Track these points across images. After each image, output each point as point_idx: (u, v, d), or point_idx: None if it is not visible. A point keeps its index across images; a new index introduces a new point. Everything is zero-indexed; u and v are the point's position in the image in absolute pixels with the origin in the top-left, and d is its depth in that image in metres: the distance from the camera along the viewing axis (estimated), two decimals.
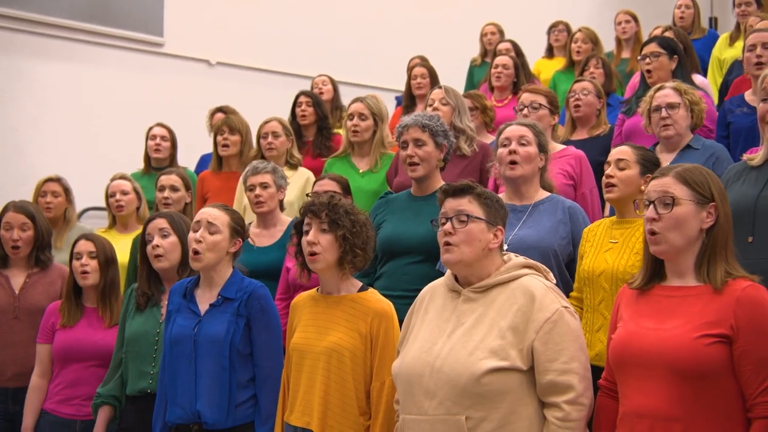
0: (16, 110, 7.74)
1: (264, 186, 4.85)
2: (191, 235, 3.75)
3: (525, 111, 4.98)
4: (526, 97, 5.09)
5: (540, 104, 5.00)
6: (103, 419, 4.08)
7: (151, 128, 6.61)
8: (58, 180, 5.61)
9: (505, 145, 4.07)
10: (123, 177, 5.57)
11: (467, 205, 3.09)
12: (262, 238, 4.82)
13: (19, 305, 4.68)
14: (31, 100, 7.84)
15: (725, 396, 2.69)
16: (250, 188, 4.89)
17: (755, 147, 4.32)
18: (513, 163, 4.02)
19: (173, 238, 4.06)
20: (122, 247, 4.97)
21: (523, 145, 4.03)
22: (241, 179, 5.09)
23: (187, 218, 4.26)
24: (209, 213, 3.80)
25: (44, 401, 4.39)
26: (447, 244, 3.06)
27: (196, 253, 3.70)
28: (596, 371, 3.07)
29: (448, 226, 3.08)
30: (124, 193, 5.44)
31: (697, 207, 2.83)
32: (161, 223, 4.09)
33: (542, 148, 4.08)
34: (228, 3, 9.34)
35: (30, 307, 4.65)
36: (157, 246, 4.03)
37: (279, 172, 4.97)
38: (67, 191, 5.61)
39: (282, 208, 5.03)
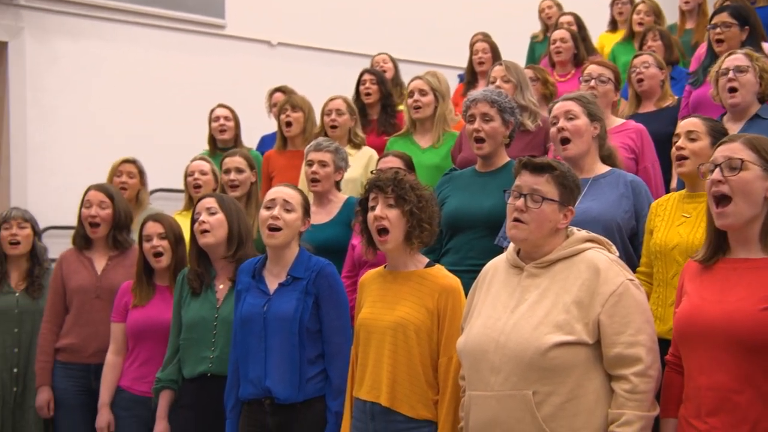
0: (83, 93, 7.88)
1: (322, 164, 4.87)
2: (265, 213, 3.80)
3: (592, 83, 4.92)
4: (593, 69, 5.02)
5: (608, 78, 4.93)
6: (165, 402, 4.20)
7: (213, 110, 6.66)
8: (133, 162, 5.72)
9: (554, 124, 4.06)
10: (203, 158, 5.65)
11: (544, 184, 3.07)
12: (316, 215, 4.77)
13: (100, 285, 4.80)
14: (97, 83, 7.97)
15: None
16: (308, 163, 4.90)
17: None
18: (565, 141, 3.99)
19: (220, 216, 4.13)
20: None
21: (570, 119, 4.00)
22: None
23: (236, 201, 4.33)
24: (285, 192, 3.86)
25: (120, 378, 4.51)
26: (516, 219, 3.06)
27: (273, 229, 3.76)
28: (668, 345, 3.06)
29: (520, 202, 3.06)
30: (203, 173, 5.48)
31: (764, 173, 2.80)
32: (209, 202, 4.18)
33: (593, 117, 4.04)
34: None
35: (111, 287, 4.74)
36: (204, 222, 4.11)
37: (341, 153, 4.96)
38: (141, 173, 5.72)
39: (338, 189, 5.03)
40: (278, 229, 3.76)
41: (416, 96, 5.59)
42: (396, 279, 3.51)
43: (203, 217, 4.12)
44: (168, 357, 4.22)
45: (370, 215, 3.47)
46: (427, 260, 3.56)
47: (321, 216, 4.83)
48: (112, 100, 8.01)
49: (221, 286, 4.15)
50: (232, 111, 6.63)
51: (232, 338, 3.89)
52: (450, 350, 3.34)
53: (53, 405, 4.75)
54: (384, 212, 3.43)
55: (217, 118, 6.58)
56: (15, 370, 5.02)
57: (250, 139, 6.98)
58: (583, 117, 4.00)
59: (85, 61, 7.93)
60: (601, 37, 8.15)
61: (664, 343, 3.07)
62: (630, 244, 3.87)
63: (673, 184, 4.96)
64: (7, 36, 7.60)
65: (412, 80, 5.72)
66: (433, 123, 5.62)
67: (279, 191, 3.87)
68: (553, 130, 4.06)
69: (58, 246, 5.19)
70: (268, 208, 3.81)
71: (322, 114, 5.92)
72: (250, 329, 3.76)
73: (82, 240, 4.91)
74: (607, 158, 4.10)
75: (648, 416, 2.87)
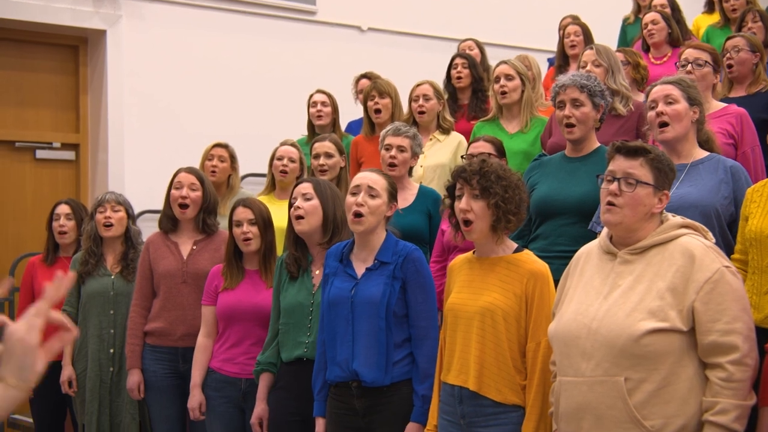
0: (178, 80, 8.01)
1: (401, 149, 4.86)
2: (351, 199, 3.80)
3: (689, 67, 4.81)
4: (690, 53, 4.89)
5: (705, 61, 4.81)
6: (264, 384, 4.25)
7: (311, 95, 6.70)
8: (225, 146, 5.78)
9: (652, 108, 3.98)
10: (293, 144, 5.64)
11: (638, 168, 3.03)
12: None
13: (187, 270, 4.86)
14: (192, 69, 8.09)
15: None
16: (386, 147, 4.89)
17: None
18: (663, 125, 3.92)
19: (315, 202, 4.13)
20: (280, 212, 5.02)
21: (669, 103, 3.93)
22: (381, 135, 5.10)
23: (333, 186, 4.34)
24: (369, 177, 3.86)
25: (210, 360, 4.58)
26: (610, 203, 3.02)
27: (357, 215, 3.76)
28: (765, 334, 2.98)
29: (614, 186, 3.02)
30: (292, 160, 5.50)
31: None
32: (306, 187, 4.19)
33: (693, 102, 3.95)
34: None
35: (197, 272, 4.81)
36: (298, 207, 4.12)
37: (418, 139, 4.96)
38: (232, 157, 5.78)
39: (410, 174, 5.02)
40: (363, 215, 3.77)
41: (502, 81, 5.53)
42: (483, 264, 3.49)
43: (298, 202, 4.14)
44: (268, 340, 4.28)
45: (457, 205, 3.46)
46: (515, 246, 3.53)
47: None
48: (206, 87, 8.11)
49: (317, 272, 4.16)
50: (329, 96, 6.64)
51: (319, 321, 3.92)
52: (538, 335, 3.31)
53: (143, 387, 4.86)
54: (469, 204, 3.40)
55: (315, 104, 6.62)
56: (111, 350, 5.17)
57: (342, 125, 7.00)
58: (683, 101, 3.92)
59: (179, 48, 8.05)
60: (697, 19, 7.95)
61: (760, 332, 3.00)
62: (729, 231, 3.77)
63: None
64: (105, 24, 7.77)
65: (497, 65, 5.65)
66: (521, 108, 5.55)
67: (364, 177, 3.87)
68: (651, 114, 3.98)
69: (153, 230, 5.27)
70: (353, 194, 3.81)
71: (410, 100, 5.88)
72: (338, 313, 3.78)
73: (169, 222, 4.97)
74: (705, 143, 4.01)
75: (744, 405, 2.80)
